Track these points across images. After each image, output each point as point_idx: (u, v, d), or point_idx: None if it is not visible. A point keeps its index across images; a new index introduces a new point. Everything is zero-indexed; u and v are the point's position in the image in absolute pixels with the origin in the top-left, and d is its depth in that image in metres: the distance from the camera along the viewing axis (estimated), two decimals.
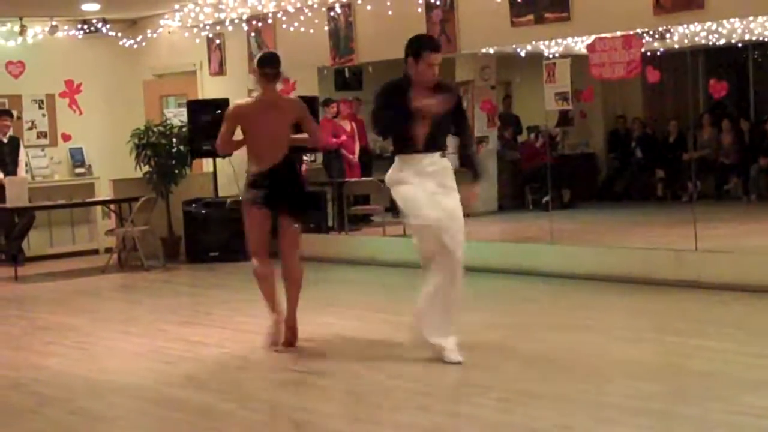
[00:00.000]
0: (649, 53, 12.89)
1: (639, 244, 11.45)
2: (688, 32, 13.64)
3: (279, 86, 8.25)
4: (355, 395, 6.78)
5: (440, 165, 7.35)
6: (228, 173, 13.80)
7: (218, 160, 13.58)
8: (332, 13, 13.13)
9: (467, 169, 7.61)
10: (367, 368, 7.34)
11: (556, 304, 9.62)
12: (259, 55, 8.15)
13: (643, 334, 8.09)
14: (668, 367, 6.99)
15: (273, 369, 7.52)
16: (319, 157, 15.23)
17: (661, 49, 14.67)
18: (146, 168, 14.30)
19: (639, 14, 10.33)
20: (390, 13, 12.31)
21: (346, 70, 14.62)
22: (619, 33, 10.69)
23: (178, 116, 14.73)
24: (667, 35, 14.03)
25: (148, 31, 15.50)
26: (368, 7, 12.61)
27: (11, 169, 14.43)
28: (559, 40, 13.17)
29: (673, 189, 17.13)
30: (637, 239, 12.29)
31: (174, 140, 14.27)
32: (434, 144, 7.33)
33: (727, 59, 17.69)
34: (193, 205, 14.06)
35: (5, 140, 14.61)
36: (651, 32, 12.62)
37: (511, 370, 7.07)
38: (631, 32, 10.67)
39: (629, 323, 8.60)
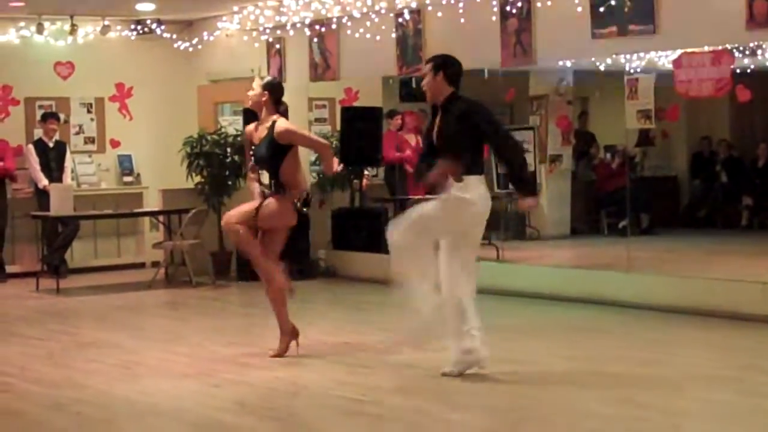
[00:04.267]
0: (738, 70, 12.75)
1: (723, 275, 11.28)
2: None
3: None
4: (416, 427, 6.73)
5: None
6: None
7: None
8: (400, 20, 13.12)
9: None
10: (427, 399, 7.30)
11: (631, 338, 9.50)
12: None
13: (727, 373, 7.96)
14: (755, 410, 6.87)
15: (327, 396, 7.50)
16: (381, 172, 15.23)
17: (752, 66, 14.52)
18: (198, 178, 14.35)
19: (730, 28, 10.19)
20: (462, 20, 12.28)
21: (413, 80, 14.59)
22: (707, 48, 10.58)
23: (233, 124, 14.78)
24: (759, 51, 13.88)
25: (205, 33, 15.59)
26: (439, 14, 12.59)
27: (56, 176, 14.58)
28: (643, 54, 13.08)
29: (760, 217, 16.92)
30: (721, 270, 12.12)
31: (228, 150, 14.30)
32: None
33: None
34: None
35: (51, 144, 14.77)
36: (742, 48, 12.49)
37: (580, 406, 6.99)
38: (721, 47, 10.56)
39: (711, 361, 8.47)
